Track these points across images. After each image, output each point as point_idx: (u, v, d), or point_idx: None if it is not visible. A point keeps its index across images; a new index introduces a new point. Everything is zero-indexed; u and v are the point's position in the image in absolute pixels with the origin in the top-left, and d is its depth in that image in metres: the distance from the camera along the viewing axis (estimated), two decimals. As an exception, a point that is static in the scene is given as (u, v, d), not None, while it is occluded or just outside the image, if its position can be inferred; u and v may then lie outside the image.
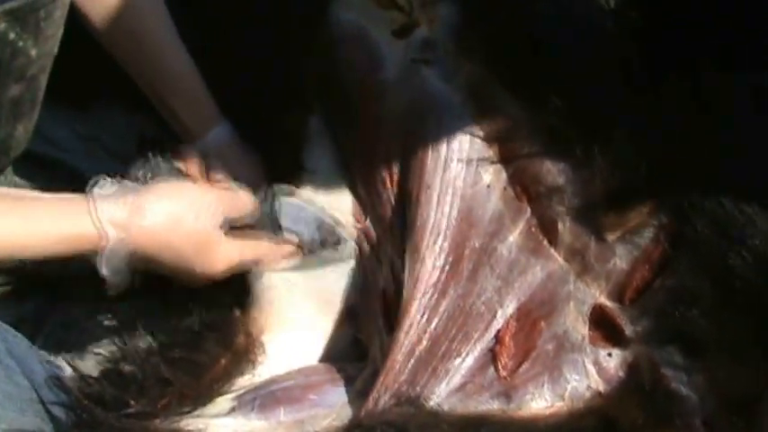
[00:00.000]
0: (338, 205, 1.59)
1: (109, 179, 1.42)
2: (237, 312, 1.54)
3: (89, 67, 1.75)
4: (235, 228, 1.49)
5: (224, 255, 1.46)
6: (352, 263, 1.60)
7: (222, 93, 1.65)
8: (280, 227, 1.54)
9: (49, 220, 1.35)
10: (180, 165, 1.52)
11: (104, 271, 1.37)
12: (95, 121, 1.97)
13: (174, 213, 1.42)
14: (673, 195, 1.36)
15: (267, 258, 1.52)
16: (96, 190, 1.39)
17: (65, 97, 1.85)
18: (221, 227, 1.45)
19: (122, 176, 1.45)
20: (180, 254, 1.42)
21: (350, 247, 1.58)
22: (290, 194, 1.57)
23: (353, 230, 1.58)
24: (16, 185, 1.72)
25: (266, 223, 1.54)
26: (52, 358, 1.61)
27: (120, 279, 1.40)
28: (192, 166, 1.53)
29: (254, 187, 1.56)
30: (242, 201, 1.50)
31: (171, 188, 1.45)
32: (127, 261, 1.39)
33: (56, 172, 1.91)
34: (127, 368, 1.49)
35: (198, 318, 1.53)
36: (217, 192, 1.48)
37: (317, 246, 1.56)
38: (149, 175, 1.47)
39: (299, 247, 1.55)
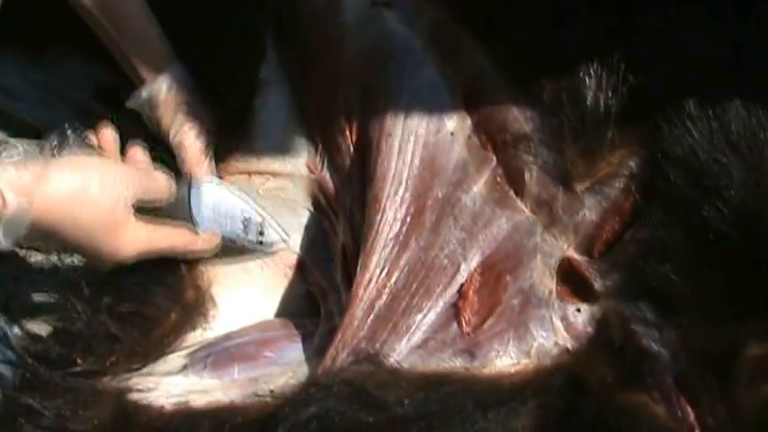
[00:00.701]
0: (293, 154, 1.55)
1: (21, 148, 1.36)
2: (184, 267, 1.49)
3: (43, 11, 1.71)
4: (148, 213, 1.42)
5: (132, 236, 1.39)
6: (301, 217, 1.55)
7: (175, 35, 1.59)
8: (196, 218, 1.48)
9: None
10: (94, 140, 1.47)
11: (2, 238, 1.30)
12: (49, 68, 1.93)
13: (80, 184, 1.35)
14: (644, 144, 1.33)
15: (182, 247, 1.46)
16: (3, 155, 1.31)
17: (17, 43, 1.81)
18: (132, 206, 1.39)
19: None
20: (84, 228, 1.36)
21: (277, 245, 1.53)
22: (217, 183, 1.51)
23: (308, 179, 1.54)
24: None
25: (184, 212, 1.47)
26: None
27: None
28: (107, 142, 1.48)
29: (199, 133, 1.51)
30: (157, 182, 1.44)
31: (79, 160, 1.39)
32: (27, 230, 1.31)
33: (8, 119, 1.85)
34: (73, 325, 1.44)
35: (144, 273, 1.47)
36: (129, 169, 1.43)
37: (240, 242, 1.51)
38: (59, 148, 1.40)
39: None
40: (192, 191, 1.47)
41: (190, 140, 1.53)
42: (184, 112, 1.54)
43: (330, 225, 1.51)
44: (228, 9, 1.55)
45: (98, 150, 1.45)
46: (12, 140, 1.74)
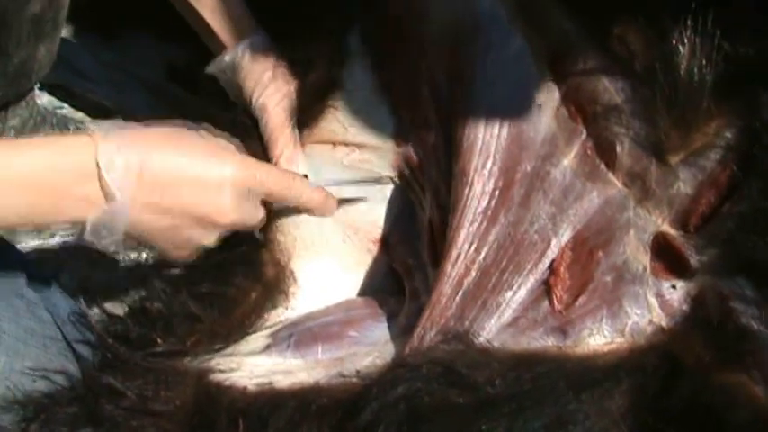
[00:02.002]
0: (377, 126, 1.51)
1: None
2: (262, 239, 1.47)
3: (115, -7, 1.70)
4: None
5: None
6: (386, 191, 1.53)
7: (259, 5, 1.58)
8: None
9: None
10: None
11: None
12: (121, 49, 1.94)
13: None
14: (741, 113, 1.28)
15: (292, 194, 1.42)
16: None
17: (89, 25, 1.82)
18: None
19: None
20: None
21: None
22: None
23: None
24: (40, 114, 1.65)
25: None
26: (77, 293, 1.56)
27: None
28: None
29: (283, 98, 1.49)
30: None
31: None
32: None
33: (82, 101, 1.86)
34: (153, 305, 1.44)
35: (223, 253, 1.45)
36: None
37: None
38: None
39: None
40: None
41: (273, 104, 1.51)
42: (268, 77, 1.52)
43: (416, 199, 1.48)
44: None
45: None
46: (57, 114, 1.73)
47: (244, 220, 1.35)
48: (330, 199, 1.46)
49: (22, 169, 1.19)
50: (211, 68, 1.55)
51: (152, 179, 1.26)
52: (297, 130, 1.52)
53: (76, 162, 1.22)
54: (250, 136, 1.51)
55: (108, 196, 1.23)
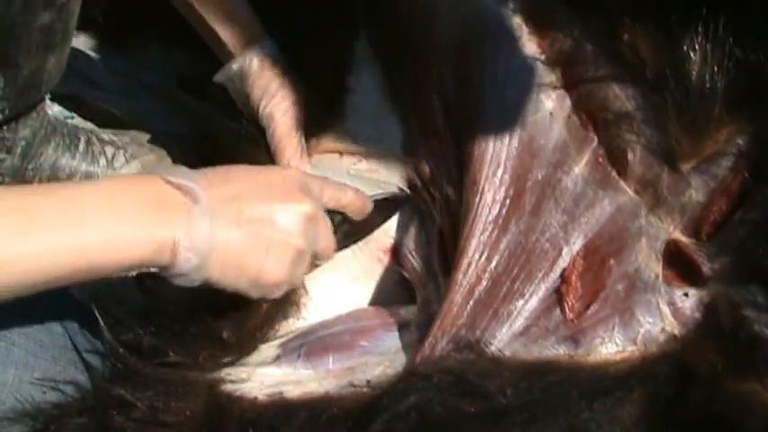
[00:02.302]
0: (385, 134, 1.51)
1: None
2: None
3: (126, 3, 1.70)
4: None
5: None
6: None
7: (266, 14, 1.58)
8: None
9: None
10: None
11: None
12: (132, 58, 1.94)
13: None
14: (753, 120, 1.28)
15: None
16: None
17: (99, 33, 1.82)
18: None
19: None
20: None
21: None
22: None
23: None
24: (51, 124, 1.65)
25: None
26: (88, 304, 1.54)
27: None
28: None
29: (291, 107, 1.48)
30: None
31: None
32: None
33: (93, 110, 1.86)
34: (165, 316, 1.42)
35: None
36: None
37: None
38: None
39: None
40: None
41: (280, 113, 1.50)
42: (275, 86, 1.51)
43: (427, 208, 1.47)
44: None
45: None
46: (68, 125, 1.73)
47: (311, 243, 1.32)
48: (366, 199, 1.44)
49: (99, 200, 1.16)
50: (219, 77, 1.55)
51: (227, 193, 1.24)
52: (304, 140, 1.51)
53: (151, 190, 1.19)
54: (257, 145, 1.50)
55: (189, 200, 1.20)
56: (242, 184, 1.26)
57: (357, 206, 1.41)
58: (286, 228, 1.26)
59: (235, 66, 1.53)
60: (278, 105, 1.50)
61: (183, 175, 1.20)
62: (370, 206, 1.43)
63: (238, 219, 1.23)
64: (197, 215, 1.19)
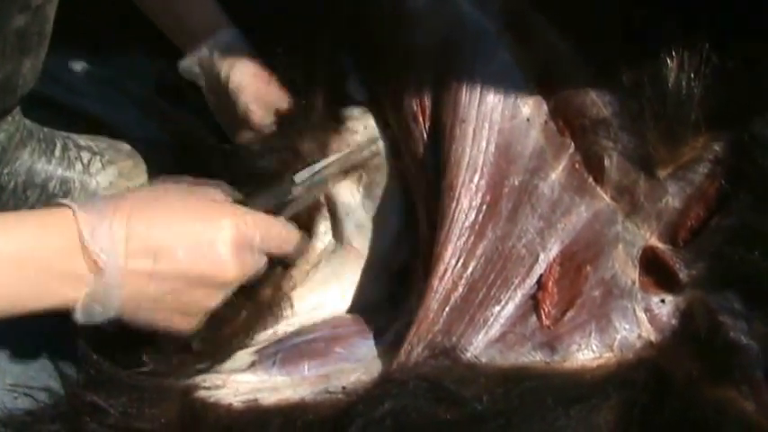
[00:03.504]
0: (371, 142, 1.50)
1: None
2: (271, 266, 1.43)
3: (104, 7, 1.70)
4: None
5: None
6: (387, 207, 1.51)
7: (247, 25, 1.59)
8: None
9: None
10: None
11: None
12: (112, 64, 1.94)
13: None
14: (730, 127, 1.28)
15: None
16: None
17: (79, 39, 1.81)
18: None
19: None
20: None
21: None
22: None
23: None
24: (27, 129, 1.64)
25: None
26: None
27: None
28: None
29: (243, 89, 1.50)
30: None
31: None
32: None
33: (70, 116, 1.85)
34: None
35: None
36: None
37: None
38: None
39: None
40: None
41: (248, 82, 1.50)
42: (246, 61, 1.52)
43: (410, 216, 1.47)
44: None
45: None
46: (44, 131, 1.72)
47: (246, 273, 1.30)
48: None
49: (3, 252, 1.13)
50: (185, 63, 1.56)
51: (141, 244, 1.20)
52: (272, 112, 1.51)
53: (59, 238, 1.16)
54: (236, 153, 1.50)
55: (96, 269, 1.17)
56: (166, 233, 1.23)
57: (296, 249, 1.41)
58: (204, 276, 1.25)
59: (205, 47, 1.53)
60: (246, 75, 1.51)
61: (101, 237, 1.18)
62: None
63: (150, 283, 1.22)
64: (106, 284, 1.18)
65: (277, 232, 1.34)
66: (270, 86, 1.51)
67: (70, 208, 1.17)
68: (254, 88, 1.51)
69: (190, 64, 1.55)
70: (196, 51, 1.54)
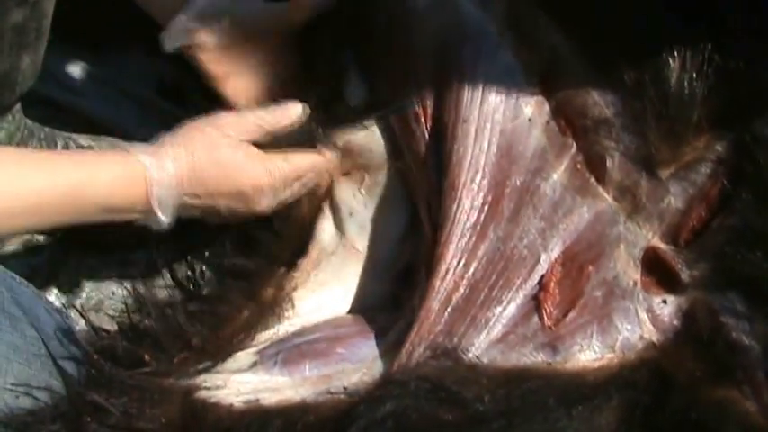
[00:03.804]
0: (375, 144, 1.49)
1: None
2: (274, 266, 1.47)
3: (104, 8, 1.70)
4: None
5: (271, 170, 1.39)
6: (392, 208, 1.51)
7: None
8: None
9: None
10: None
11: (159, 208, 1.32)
12: (111, 64, 1.93)
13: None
14: (731, 127, 1.28)
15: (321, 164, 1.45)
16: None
17: (78, 40, 1.81)
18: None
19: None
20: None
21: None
22: None
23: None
24: (27, 128, 1.64)
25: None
26: (64, 309, 1.57)
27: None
28: None
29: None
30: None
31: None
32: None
33: (71, 116, 1.85)
34: (142, 322, 1.43)
35: (225, 263, 1.48)
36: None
37: None
38: None
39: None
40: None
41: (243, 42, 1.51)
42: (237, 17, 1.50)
43: (414, 216, 1.47)
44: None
45: None
46: (45, 130, 1.72)
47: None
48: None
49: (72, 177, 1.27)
50: (170, 32, 1.52)
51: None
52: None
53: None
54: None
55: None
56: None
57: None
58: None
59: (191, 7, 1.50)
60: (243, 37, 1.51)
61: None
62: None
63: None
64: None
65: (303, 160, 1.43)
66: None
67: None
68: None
69: (176, 31, 1.52)
70: (177, 22, 1.51)
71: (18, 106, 1.60)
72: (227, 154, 1.35)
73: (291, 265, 1.45)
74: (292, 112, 1.41)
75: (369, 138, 1.49)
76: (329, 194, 1.49)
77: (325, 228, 1.49)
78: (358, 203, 1.48)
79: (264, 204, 1.39)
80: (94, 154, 1.35)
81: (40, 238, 1.71)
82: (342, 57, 1.53)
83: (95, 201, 1.28)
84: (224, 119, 1.38)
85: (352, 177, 1.49)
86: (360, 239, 1.49)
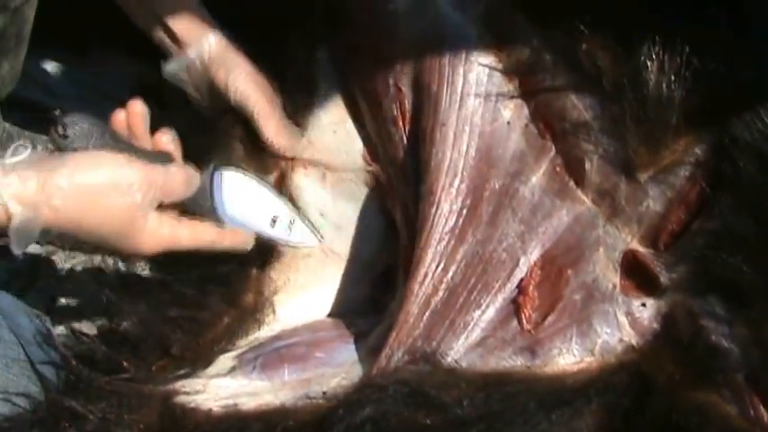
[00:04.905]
0: (347, 147, 1.50)
1: (29, 145, 1.27)
2: (253, 270, 1.47)
3: (84, 11, 1.70)
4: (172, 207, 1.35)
5: (152, 236, 1.31)
6: (364, 211, 1.52)
7: (223, 24, 1.56)
8: (220, 212, 1.40)
9: None
10: (119, 119, 1.38)
11: (14, 248, 1.24)
12: (92, 67, 1.93)
13: (90, 191, 1.27)
14: (710, 129, 1.27)
15: (208, 244, 1.38)
16: (8, 160, 1.25)
17: (59, 42, 1.81)
18: (148, 205, 1.31)
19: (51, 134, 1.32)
20: (98, 234, 1.29)
21: (308, 243, 1.49)
22: (243, 173, 1.45)
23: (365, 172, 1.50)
24: (7, 132, 1.64)
25: (207, 205, 1.39)
26: (43, 314, 1.55)
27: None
28: (136, 117, 1.39)
29: (248, 99, 1.47)
30: (175, 181, 1.34)
31: (87, 162, 1.29)
32: (39, 237, 1.26)
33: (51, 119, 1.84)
34: (121, 327, 1.43)
35: (203, 272, 1.47)
36: (143, 170, 1.31)
37: (266, 237, 1.45)
38: (76, 137, 1.31)
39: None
40: (215, 183, 1.39)
41: (252, 90, 1.49)
42: (241, 64, 1.50)
43: (392, 219, 1.47)
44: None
45: (119, 137, 1.36)
46: (26, 134, 1.72)
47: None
48: (242, 236, 1.42)
49: None
50: (171, 67, 1.53)
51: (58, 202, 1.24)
52: (282, 112, 1.50)
53: None
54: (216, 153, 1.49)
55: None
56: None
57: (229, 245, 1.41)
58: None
59: (192, 52, 1.51)
60: (248, 83, 1.49)
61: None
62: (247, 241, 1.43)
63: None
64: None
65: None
66: (270, 92, 1.51)
67: None
68: (263, 100, 1.50)
69: (176, 69, 1.53)
70: (183, 57, 1.52)
71: (-1, 114, 1.60)
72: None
73: (269, 269, 1.45)
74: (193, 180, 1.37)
75: (340, 140, 1.48)
76: (297, 196, 1.48)
77: (299, 230, 1.49)
78: (324, 201, 1.48)
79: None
80: None
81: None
82: (317, 57, 1.53)
83: None
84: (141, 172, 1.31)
85: (320, 178, 1.49)
86: (338, 242, 1.49)
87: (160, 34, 1.54)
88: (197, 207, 1.37)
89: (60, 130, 1.28)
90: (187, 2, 1.52)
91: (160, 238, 1.32)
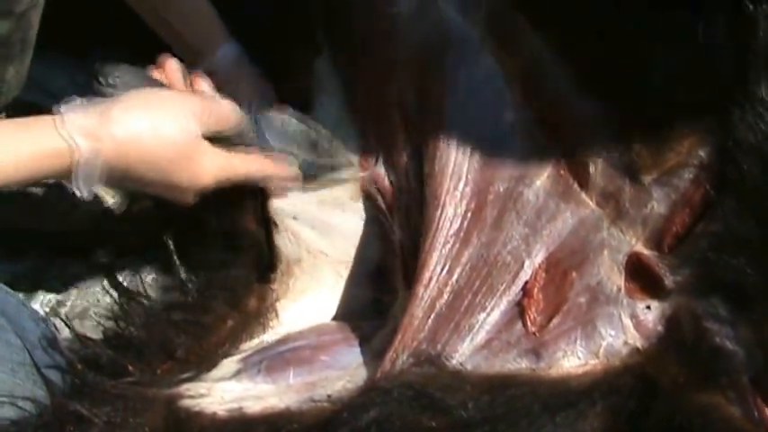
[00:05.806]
0: (345, 149, 1.51)
1: (78, 98, 1.32)
2: (254, 276, 1.47)
3: (88, 13, 1.70)
4: (219, 142, 1.37)
5: (210, 164, 1.35)
6: (357, 215, 1.52)
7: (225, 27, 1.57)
8: (269, 145, 1.43)
9: (15, 140, 1.26)
10: (157, 74, 1.43)
11: (80, 187, 1.28)
12: (92, 69, 1.92)
13: (150, 121, 1.30)
14: (714, 132, 1.27)
15: (261, 173, 1.42)
16: (63, 106, 1.30)
17: (62, 45, 1.81)
18: (203, 135, 1.34)
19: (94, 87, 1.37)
20: (159, 165, 1.32)
21: (353, 170, 1.50)
22: (281, 111, 1.47)
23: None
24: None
25: (254, 138, 1.43)
26: (48, 318, 1.57)
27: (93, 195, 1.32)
28: (172, 71, 1.43)
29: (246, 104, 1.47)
30: (225, 110, 1.38)
31: (145, 95, 1.34)
32: (102, 175, 1.29)
33: None
34: (126, 331, 1.43)
35: (208, 274, 1.47)
36: (197, 99, 1.38)
37: (313, 168, 1.46)
38: (120, 84, 1.36)
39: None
40: (259, 117, 1.43)
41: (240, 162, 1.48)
42: (249, 79, 1.52)
43: (387, 222, 1.47)
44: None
45: (161, 82, 1.41)
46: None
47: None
48: (287, 162, 1.45)
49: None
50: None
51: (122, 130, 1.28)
52: None
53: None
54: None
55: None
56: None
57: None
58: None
59: (202, 67, 1.51)
60: (254, 94, 1.50)
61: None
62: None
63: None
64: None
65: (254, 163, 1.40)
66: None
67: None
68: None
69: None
70: (196, 68, 1.52)
71: (3, 115, 1.60)
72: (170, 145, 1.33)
73: (269, 275, 1.45)
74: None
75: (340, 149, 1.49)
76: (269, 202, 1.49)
77: (281, 235, 1.50)
78: (316, 209, 1.50)
79: (193, 197, 1.37)
80: (22, 124, 1.29)
81: (24, 243, 1.70)
82: (318, 61, 1.54)
83: (17, 168, 1.26)
84: (194, 100, 1.36)
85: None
86: (323, 244, 1.49)
87: (174, 41, 1.55)
88: (242, 140, 1.40)
89: (107, 79, 1.30)
90: (201, 11, 1.55)
91: (218, 167, 1.35)
